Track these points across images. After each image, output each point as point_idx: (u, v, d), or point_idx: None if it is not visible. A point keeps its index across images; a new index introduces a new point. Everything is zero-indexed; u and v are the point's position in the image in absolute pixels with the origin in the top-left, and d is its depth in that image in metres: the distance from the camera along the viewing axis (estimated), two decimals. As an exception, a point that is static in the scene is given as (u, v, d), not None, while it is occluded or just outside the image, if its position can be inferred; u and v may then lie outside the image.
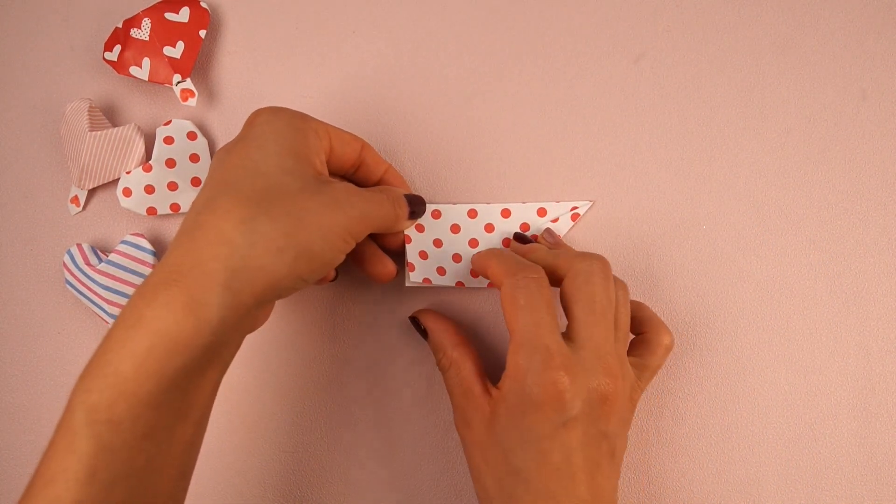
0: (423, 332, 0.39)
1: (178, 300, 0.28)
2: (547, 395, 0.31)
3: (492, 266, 0.35)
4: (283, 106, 0.35)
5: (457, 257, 0.40)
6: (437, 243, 0.40)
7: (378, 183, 0.38)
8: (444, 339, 0.37)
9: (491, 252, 0.37)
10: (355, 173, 0.38)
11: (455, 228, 0.40)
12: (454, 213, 0.40)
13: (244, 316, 0.30)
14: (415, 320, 0.39)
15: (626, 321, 0.35)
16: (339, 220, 0.32)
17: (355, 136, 0.37)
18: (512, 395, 0.32)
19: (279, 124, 0.33)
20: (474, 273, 0.39)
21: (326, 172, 0.35)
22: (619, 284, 0.35)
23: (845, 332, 0.39)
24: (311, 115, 0.42)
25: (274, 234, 0.30)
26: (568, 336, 0.33)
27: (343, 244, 0.33)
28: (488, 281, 0.40)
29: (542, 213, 0.40)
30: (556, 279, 0.35)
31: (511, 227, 0.40)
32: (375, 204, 0.34)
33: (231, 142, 0.34)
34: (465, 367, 0.36)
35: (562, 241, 0.39)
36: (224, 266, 0.29)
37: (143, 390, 0.29)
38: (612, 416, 0.33)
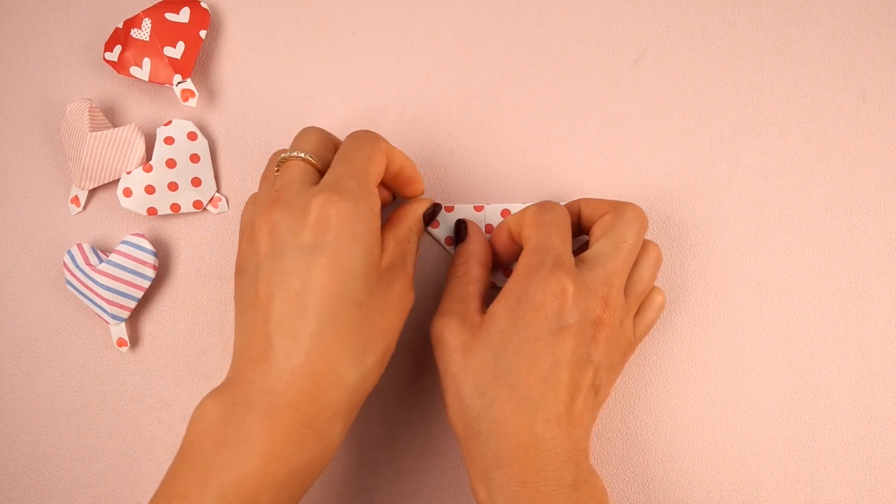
0: (460, 236, 0.39)
1: (308, 439, 0.31)
2: (549, 296, 0.32)
3: (513, 219, 0.37)
4: (348, 182, 0.33)
5: None
6: (448, 241, 0.40)
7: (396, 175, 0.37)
8: (478, 251, 0.38)
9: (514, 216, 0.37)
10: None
11: None
12: (463, 210, 0.40)
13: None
14: (461, 225, 0.39)
15: (646, 280, 0.36)
16: (402, 319, 0.35)
17: (400, 158, 0.36)
18: (513, 295, 0.33)
19: (360, 227, 0.32)
20: (496, 245, 0.38)
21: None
22: (655, 249, 0.36)
23: (845, 332, 0.39)
24: (311, 114, 0.42)
25: (375, 358, 0.33)
26: (582, 257, 0.35)
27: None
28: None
29: (542, 213, 0.40)
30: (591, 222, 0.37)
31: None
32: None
33: (307, 235, 0.32)
34: (475, 284, 0.36)
35: None
36: (344, 404, 0.32)
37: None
38: (601, 344, 0.33)
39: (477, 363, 0.33)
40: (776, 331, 0.40)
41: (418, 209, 0.37)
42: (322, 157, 0.35)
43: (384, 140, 0.35)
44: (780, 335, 0.40)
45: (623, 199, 0.40)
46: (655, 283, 0.38)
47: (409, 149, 0.41)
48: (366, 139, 0.35)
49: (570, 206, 0.38)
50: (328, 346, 0.31)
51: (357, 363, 0.32)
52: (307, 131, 0.36)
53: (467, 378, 0.34)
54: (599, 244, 0.35)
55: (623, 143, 0.41)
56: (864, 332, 0.39)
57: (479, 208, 0.40)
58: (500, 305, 0.34)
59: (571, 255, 0.34)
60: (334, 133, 0.37)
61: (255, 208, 0.35)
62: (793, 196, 0.40)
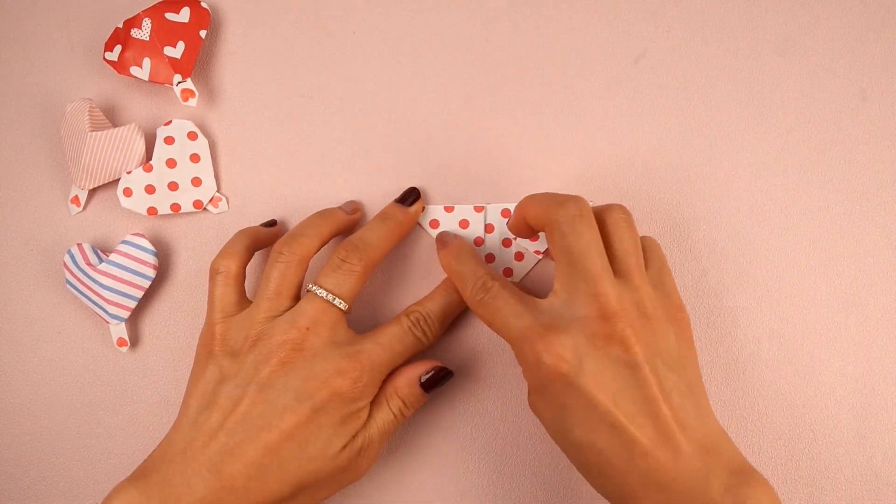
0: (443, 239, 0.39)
1: None
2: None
3: (531, 209, 0.35)
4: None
5: None
6: None
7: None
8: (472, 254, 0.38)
9: (526, 199, 0.36)
10: None
11: (464, 224, 0.40)
12: (463, 210, 0.40)
13: None
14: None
15: (627, 247, 0.35)
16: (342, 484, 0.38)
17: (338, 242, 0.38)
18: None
19: (350, 412, 0.36)
20: (515, 226, 0.38)
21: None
22: (615, 212, 0.35)
23: (845, 332, 0.39)
24: (311, 114, 0.42)
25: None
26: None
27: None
28: None
29: (542, 213, 0.40)
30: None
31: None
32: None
33: (311, 386, 0.35)
34: (510, 290, 0.35)
35: None
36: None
37: None
38: (633, 345, 0.33)
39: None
40: (776, 330, 0.40)
41: (413, 377, 0.37)
42: (245, 262, 0.38)
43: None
44: (781, 335, 0.40)
45: (623, 199, 0.41)
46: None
47: (408, 149, 0.41)
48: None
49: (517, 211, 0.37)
50: (267, 476, 0.34)
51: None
52: (239, 239, 0.38)
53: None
54: (555, 290, 0.34)
55: (623, 142, 0.41)
56: (864, 332, 0.39)
57: (479, 208, 0.40)
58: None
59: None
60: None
61: (276, 325, 0.36)
62: (793, 196, 0.40)
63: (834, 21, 0.40)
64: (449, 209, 0.40)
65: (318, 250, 0.37)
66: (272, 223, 0.41)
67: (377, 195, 0.41)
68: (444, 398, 0.41)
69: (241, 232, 0.39)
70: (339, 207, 0.40)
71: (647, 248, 0.36)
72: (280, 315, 0.36)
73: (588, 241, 0.33)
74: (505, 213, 0.40)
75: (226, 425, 0.34)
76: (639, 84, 0.41)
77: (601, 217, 0.35)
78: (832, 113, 0.40)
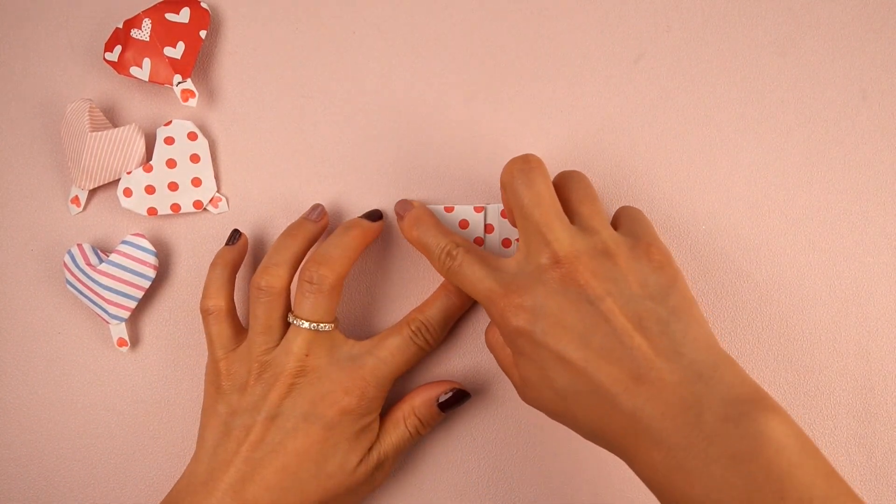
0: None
1: None
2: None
3: (501, 180, 0.36)
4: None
5: None
6: None
7: None
8: (428, 217, 0.37)
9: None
10: None
11: (464, 224, 0.40)
12: (463, 210, 0.40)
13: None
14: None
15: (585, 207, 0.35)
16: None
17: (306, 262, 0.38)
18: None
19: (361, 428, 0.37)
20: (507, 215, 0.38)
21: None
22: (569, 176, 0.36)
23: (845, 332, 0.39)
24: (311, 114, 0.42)
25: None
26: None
27: None
28: None
29: (542, 213, 0.40)
30: None
31: (511, 227, 0.40)
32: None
33: (323, 409, 0.36)
34: (474, 252, 0.35)
35: None
36: None
37: None
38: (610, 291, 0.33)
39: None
40: (776, 330, 0.40)
41: (432, 398, 0.38)
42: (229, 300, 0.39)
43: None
44: (781, 335, 0.40)
45: (623, 199, 0.41)
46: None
47: (408, 149, 0.41)
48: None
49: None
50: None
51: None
52: (216, 268, 0.39)
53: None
54: (519, 248, 0.34)
55: (623, 142, 0.41)
56: (864, 332, 0.39)
57: (479, 209, 0.40)
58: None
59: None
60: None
61: (276, 357, 0.36)
62: (793, 196, 0.40)
63: (834, 21, 0.40)
64: (449, 209, 0.40)
65: (294, 274, 0.38)
66: (236, 234, 0.40)
67: (377, 195, 0.41)
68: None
69: (214, 265, 0.39)
70: (305, 217, 0.39)
71: (626, 210, 0.37)
72: (277, 344, 0.37)
73: (537, 191, 0.33)
74: (505, 213, 0.40)
75: (241, 453, 0.35)
76: (639, 84, 0.41)
77: (555, 182, 0.35)
78: (832, 113, 0.40)
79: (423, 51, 0.42)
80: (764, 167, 0.40)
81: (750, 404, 0.27)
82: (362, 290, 0.41)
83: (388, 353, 0.37)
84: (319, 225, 0.39)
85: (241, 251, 0.40)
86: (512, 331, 0.32)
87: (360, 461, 0.36)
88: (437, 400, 0.38)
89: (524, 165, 0.34)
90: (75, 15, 0.43)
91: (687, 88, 0.41)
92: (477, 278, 0.34)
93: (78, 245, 0.41)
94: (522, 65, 0.41)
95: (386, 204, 0.41)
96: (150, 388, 0.42)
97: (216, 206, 0.42)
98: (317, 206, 0.40)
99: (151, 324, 0.42)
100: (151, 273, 0.40)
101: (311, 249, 0.39)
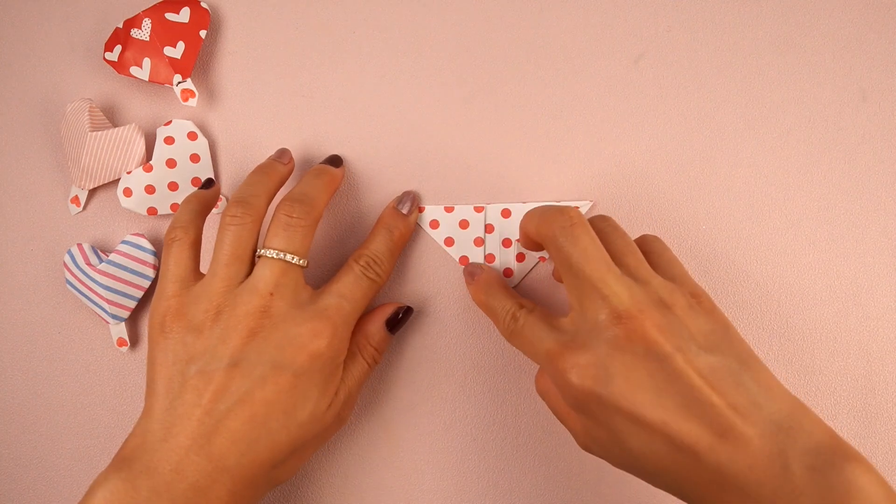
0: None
1: None
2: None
3: (529, 226, 0.35)
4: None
5: (463, 259, 0.40)
6: (448, 242, 0.40)
7: None
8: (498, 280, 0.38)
9: (525, 216, 0.36)
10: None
11: (463, 224, 0.40)
12: (463, 210, 0.40)
13: None
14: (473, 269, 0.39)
15: (622, 248, 0.35)
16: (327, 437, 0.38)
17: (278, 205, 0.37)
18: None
19: (329, 371, 0.35)
20: (525, 244, 0.38)
21: None
22: (599, 223, 0.36)
23: (845, 332, 0.39)
24: (311, 114, 0.42)
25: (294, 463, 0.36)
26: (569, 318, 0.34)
27: None
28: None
29: (542, 213, 0.40)
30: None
31: (511, 227, 0.40)
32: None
33: (287, 355, 0.34)
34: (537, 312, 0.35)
35: None
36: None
37: None
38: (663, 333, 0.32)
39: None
40: (776, 330, 0.40)
41: (381, 324, 0.38)
42: (198, 228, 0.37)
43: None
44: (781, 335, 0.40)
45: (623, 199, 0.41)
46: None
47: (408, 149, 0.41)
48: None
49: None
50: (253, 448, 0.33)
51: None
52: (187, 202, 0.37)
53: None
54: (571, 306, 0.33)
55: (623, 142, 0.41)
56: (864, 332, 0.39)
57: (479, 209, 0.40)
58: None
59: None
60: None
61: (238, 295, 0.34)
62: (793, 196, 0.40)
63: (834, 21, 0.40)
64: (449, 209, 0.40)
65: (266, 209, 0.37)
66: (210, 182, 0.39)
67: (377, 195, 0.41)
68: (445, 397, 0.41)
69: (187, 199, 0.38)
70: (274, 159, 0.39)
71: (649, 244, 0.36)
72: (239, 284, 0.35)
73: (585, 245, 0.32)
74: (505, 213, 0.40)
75: (203, 405, 0.32)
76: (639, 84, 0.41)
77: None
78: (832, 113, 0.40)
79: (422, 50, 0.42)
80: (764, 167, 0.40)
81: (833, 453, 0.27)
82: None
83: (347, 290, 0.36)
84: (288, 168, 0.39)
85: (214, 194, 0.39)
86: (576, 392, 0.31)
87: (330, 405, 0.35)
88: (387, 324, 0.38)
89: (566, 221, 0.33)
90: (75, 15, 0.43)
91: (687, 88, 0.41)
92: (537, 338, 0.33)
93: (78, 245, 0.41)
94: (522, 65, 0.41)
95: (385, 203, 0.41)
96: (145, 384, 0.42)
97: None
98: (285, 150, 0.40)
99: (151, 324, 0.42)
100: (151, 273, 0.40)
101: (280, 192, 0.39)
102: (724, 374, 0.29)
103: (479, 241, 0.40)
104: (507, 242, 0.40)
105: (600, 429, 0.31)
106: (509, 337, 0.35)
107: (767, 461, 0.28)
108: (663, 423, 0.29)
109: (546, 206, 0.35)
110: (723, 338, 0.31)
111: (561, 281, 0.39)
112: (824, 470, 0.27)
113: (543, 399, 0.35)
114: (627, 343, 0.30)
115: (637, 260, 0.34)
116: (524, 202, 0.40)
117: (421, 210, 0.41)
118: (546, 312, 0.35)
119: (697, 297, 0.33)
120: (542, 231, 0.34)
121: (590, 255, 0.32)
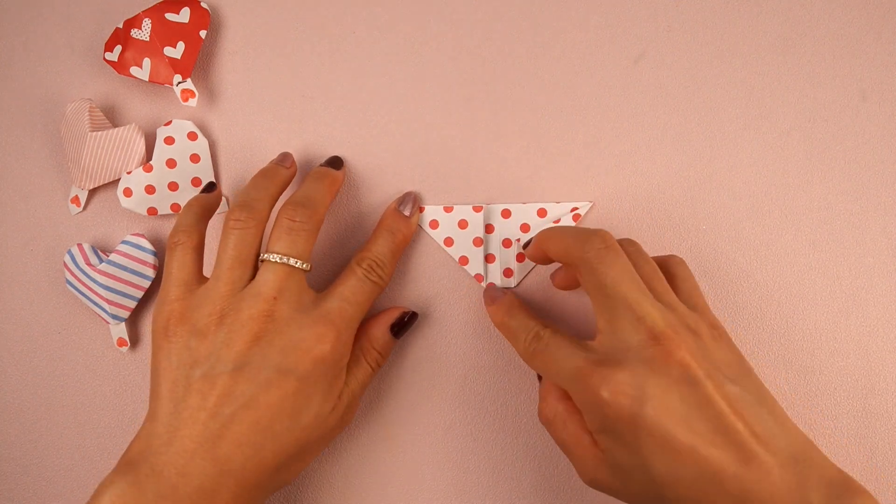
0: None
1: None
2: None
3: (551, 244, 0.35)
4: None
5: (463, 259, 0.40)
6: (448, 242, 0.40)
7: None
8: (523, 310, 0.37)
9: (545, 233, 0.36)
10: None
11: (463, 224, 0.40)
12: (463, 210, 0.40)
13: None
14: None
15: (650, 273, 0.35)
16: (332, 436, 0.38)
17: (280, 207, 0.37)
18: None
19: (333, 374, 0.36)
20: (535, 257, 0.38)
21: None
22: (628, 247, 0.36)
23: (845, 332, 0.39)
24: (311, 114, 0.42)
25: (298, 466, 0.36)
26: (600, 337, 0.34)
27: None
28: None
29: (542, 213, 0.40)
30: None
31: (511, 227, 0.40)
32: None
33: (290, 360, 0.34)
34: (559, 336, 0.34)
35: None
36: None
37: None
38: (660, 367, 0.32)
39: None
40: (776, 330, 0.40)
41: (386, 328, 0.39)
42: (201, 234, 0.37)
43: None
44: (781, 335, 0.40)
45: (623, 199, 0.41)
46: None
47: (408, 149, 0.41)
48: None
49: (535, 243, 0.37)
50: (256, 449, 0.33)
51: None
52: (189, 207, 0.37)
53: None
54: (600, 328, 0.33)
55: (623, 142, 0.41)
56: (864, 332, 0.39)
57: (478, 208, 0.40)
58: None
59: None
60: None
61: (242, 299, 0.34)
62: (793, 196, 0.40)
63: (834, 21, 0.40)
64: (448, 209, 0.40)
65: (270, 213, 0.37)
66: (212, 186, 0.39)
67: (377, 195, 0.41)
68: (445, 397, 0.41)
69: (189, 203, 0.38)
70: (276, 163, 0.39)
71: (674, 268, 0.36)
72: (243, 287, 0.35)
73: (620, 269, 0.32)
74: (505, 213, 0.40)
75: (207, 408, 0.32)
76: (639, 84, 0.41)
77: None
78: (832, 113, 0.40)
79: (422, 51, 0.42)
80: (764, 167, 0.40)
81: (845, 488, 0.29)
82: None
83: (350, 293, 0.36)
84: (290, 171, 0.39)
85: (216, 198, 0.39)
86: (609, 410, 0.30)
87: (333, 408, 0.35)
88: (392, 328, 0.38)
89: (600, 244, 0.33)
90: (75, 15, 0.43)
91: (687, 88, 0.41)
92: (563, 356, 0.33)
93: (78, 245, 0.41)
94: (522, 64, 0.41)
95: (386, 203, 0.41)
96: (149, 388, 0.42)
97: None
98: (287, 154, 0.40)
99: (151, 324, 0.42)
100: (151, 273, 0.40)
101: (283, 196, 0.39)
102: (745, 404, 0.30)
103: (479, 241, 0.40)
104: (507, 242, 0.40)
105: (625, 451, 0.31)
106: (531, 356, 0.35)
107: (787, 490, 0.28)
108: (692, 447, 0.29)
109: (571, 227, 0.36)
110: (741, 371, 0.32)
111: (561, 287, 0.39)
112: (839, 502, 0.28)
113: (548, 428, 0.35)
114: (663, 365, 0.30)
115: (664, 287, 0.34)
116: (524, 202, 0.40)
117: (421, 210, 0.41)
118: (569, 334, 0.34)
119: (717, 329, 0.33)
120: (572, 252, 0.34)
121: (624, 276, 0.32)
